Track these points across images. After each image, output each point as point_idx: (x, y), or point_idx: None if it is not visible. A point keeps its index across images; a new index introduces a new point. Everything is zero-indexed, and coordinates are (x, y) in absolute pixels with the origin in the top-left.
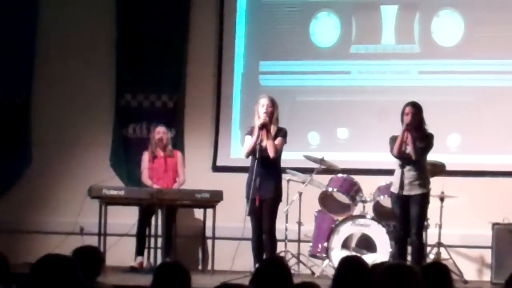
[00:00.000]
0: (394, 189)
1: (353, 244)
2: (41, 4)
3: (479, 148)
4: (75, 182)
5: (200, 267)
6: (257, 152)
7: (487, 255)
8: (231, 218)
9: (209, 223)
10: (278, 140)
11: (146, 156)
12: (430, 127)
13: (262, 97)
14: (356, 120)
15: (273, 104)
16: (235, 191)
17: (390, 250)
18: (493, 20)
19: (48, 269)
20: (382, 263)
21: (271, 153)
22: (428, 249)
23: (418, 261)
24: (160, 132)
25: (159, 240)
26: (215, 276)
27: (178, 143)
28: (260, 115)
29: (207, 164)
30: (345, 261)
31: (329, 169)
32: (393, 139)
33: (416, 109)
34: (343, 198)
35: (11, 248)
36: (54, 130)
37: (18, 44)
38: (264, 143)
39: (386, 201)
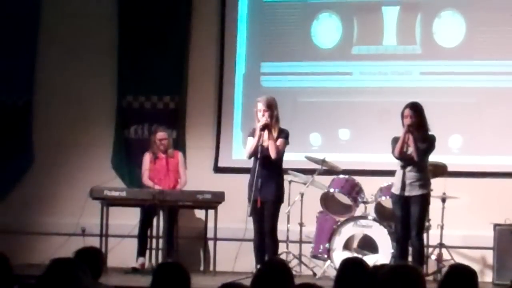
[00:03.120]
0: (395, 190)
1: (354, 245)
2: (43, 5)
3: (481, 149)
4: (76, 183)
5: (201, 268)
6: (259, 153)
7: (489, 256)
8: (233, 219)
9: (210, 224)
10: (280, 141)
11: (147, 157)
12: (431, 128)
13: (258, 101)
14: (358, 121)
15: (269, 106)
16: (237, 192)
17: (392, 251)
18: (494, 21)
19: (53, 273)
20: (383, 265)
21: (272, 153)
22: (430, 250)
23: (419, 262)
24: (162, 139)
25: (161, 241)
26: (217, 277)
27: (179, 144)
28: (259, 118)
29: (209, 165)
30: (346, 263)
31: (330, 170)
32: (395, 140)
33: (414, 111)
34: (344, 199)
35: (12, 249)
36: (55, 131)
37: (20, 46)
38: (265, 144)
39: (388, 202)
